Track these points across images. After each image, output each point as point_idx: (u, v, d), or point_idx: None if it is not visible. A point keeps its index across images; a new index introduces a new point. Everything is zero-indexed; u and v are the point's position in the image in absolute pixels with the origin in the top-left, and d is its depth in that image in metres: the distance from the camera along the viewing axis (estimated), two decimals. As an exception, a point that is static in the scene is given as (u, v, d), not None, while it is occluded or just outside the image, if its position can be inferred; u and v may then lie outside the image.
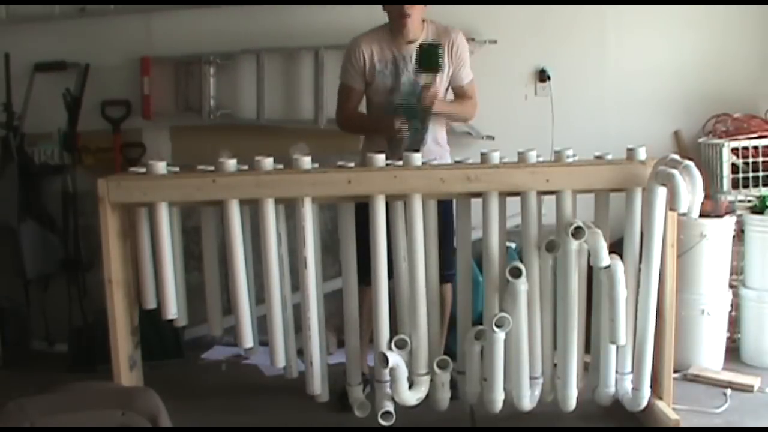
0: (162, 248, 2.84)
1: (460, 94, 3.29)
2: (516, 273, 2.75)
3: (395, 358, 2.81)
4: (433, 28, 3.18)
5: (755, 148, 3.66)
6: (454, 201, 3.05)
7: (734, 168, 3.68)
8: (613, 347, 2.83)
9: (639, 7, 3.89)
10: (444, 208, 3.01)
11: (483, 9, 3.86)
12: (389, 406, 2.89)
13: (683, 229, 3.27)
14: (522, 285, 2.76)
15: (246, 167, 2.89)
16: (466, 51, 3.24)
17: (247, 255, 2.95)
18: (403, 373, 2.84)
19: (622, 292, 2.71)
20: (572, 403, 2.90)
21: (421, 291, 2.85)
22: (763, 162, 3.66)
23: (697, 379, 3.36)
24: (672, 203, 2.63)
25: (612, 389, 2.91)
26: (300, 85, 3.98)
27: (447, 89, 3.25)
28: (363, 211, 2.85)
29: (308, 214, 2.83)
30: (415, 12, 3.07)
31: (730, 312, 3.59)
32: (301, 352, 2.98)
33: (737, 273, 3.65)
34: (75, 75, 3.99)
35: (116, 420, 2.06)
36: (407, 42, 3.13)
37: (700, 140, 3.88)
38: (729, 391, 3.22)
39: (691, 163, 2.67)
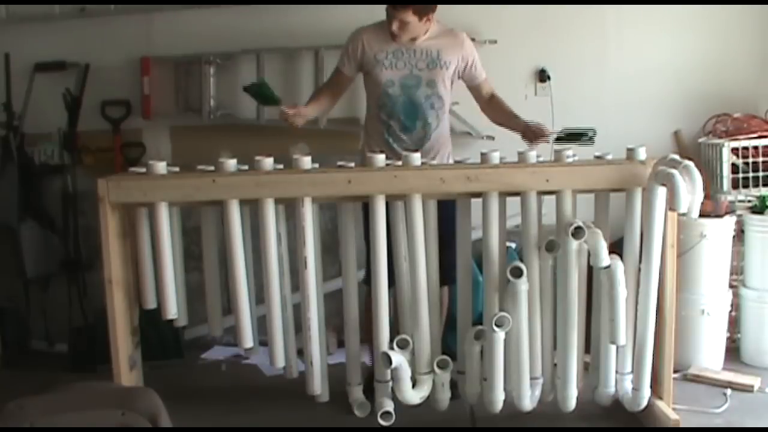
0: (162, 248, 2.84)
1: (481, 93, 3.31)
2: (517, 273, 2.75)
3: (398, 358, 2.81)
4: (439, 29, 3.18)
5: (755, 148, 3.66)
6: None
7: (734, 168, 3.69)
8: (613, 347, 2.83)
9: (639, 7, 3.89)
10: (446, 214, 2.98)
11: (483, 9, 3.86)
12: (389, 406, 2.89)
13: (683, 229, 3.27)
14: (522, 285, 2.76)
15: (246, 167, 2.90)
16: (474, 50, 3.27)
17: (247, 255, 2.95)
18: (405, 372, 2.84)
19: (622, 292, 2.71)
20: (572, 403, 2.90)
21: (422, 290, 2.85)
22: (763, 162, 3.66)
23: (697, 379, 3.36)
24: (672, 203, 2.63)
25: (612, 389, 2.91)
26: (300, 85, 3.98)
27: (452, 83, 3.25)
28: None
29: (308, 214, 2.83)
30: (412, 19, 3.04)
31: (730, 312, 3.59)
32: (301, 352, 2.98)
33: (737, 273, 3.64)
34: (75, 75, 3.99)
35: (116, 420, 2.06)
36: (410, 39, 3.14)
37: (700, 140, 3.88)
38: (729, 391, 3.22)
39: (691, 163, 2.67)
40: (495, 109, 3.32)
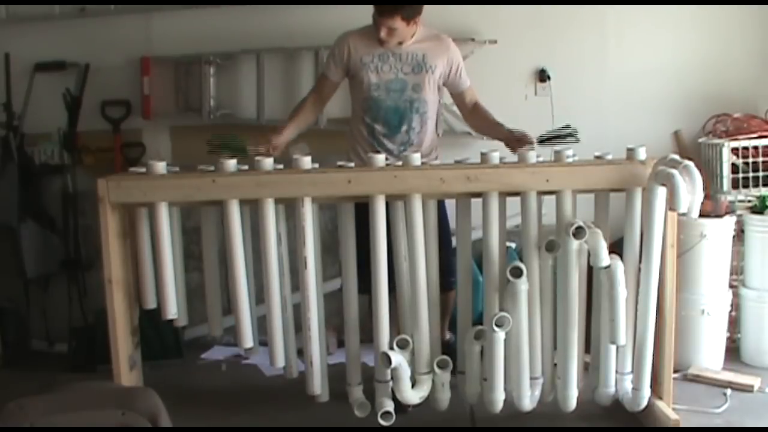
0: (162, 248, 2.84)
1: (464, 100, 3.31)
2: (517, 273, 2.75)
3: (398, 358, 2.81)
4: (425, 32, 3.18)
5: (755, 148, 3.66)
6: (449, 204, 3.05)
7: (734, 168, 3.68)
8: (613, 347, 2.83)
9: (639, 7, 3.89)
10: (438, 214, 2.97)
11: (483, 9, 3.86)
12: (389, 406, 2.89)
13: (683, 229, 3.27)
14: (522, 285, 2.76)
15: (246, 167, 2.90)
16: (460, 57, 3.27)
17: (247, 255, 2.95)
18: (405, 372, 2.84)
19: (622, 292, 2.71)
20: (572, 403, 2.90)
21: (422, 290, 2.85)
22: (763, 162, 3.66)
23: (697, 379, 3.36)
24: (672, 203, 2.63)
25: (612, 389, 2.91)
26: (300, 85, 3.98)
27: (438, 88, 3.27)
28: (363, 215, 2.84)
29: (308, 214, 2.83)
30: (399, 25, 3.04)
31: (730, 312, 3.59)
32: (301, 352, 2.98)
33: (737, 273, 3.65)
34: (75, 75, 3.99)
35: (116, 420, 2.06)
36: (397, 43, 3.14)
37: (700, 140, 3.88)
38: (729, 391, 3.22)
39: (691, 163, 2.67)
40: (478, 117, 3.32)
